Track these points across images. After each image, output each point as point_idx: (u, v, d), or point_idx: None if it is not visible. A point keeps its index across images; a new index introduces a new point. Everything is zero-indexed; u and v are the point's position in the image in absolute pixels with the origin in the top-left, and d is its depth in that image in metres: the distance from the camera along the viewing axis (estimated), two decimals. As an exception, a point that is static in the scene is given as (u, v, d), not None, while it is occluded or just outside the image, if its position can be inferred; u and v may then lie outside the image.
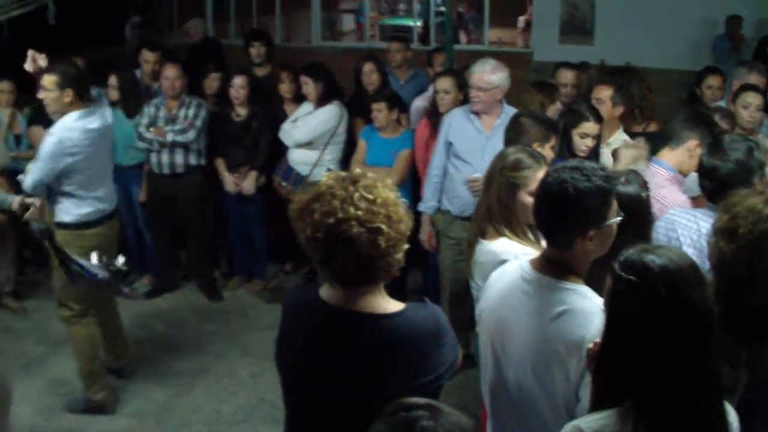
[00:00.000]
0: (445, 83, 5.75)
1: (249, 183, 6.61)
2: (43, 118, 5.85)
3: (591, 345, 2.36)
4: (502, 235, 3.40)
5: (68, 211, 5.02)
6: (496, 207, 3.45)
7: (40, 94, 5.00)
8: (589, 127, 4.71)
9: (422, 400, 1.83)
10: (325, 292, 2.45)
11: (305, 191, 2.41)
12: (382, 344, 2.36)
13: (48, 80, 4.93)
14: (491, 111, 5.23)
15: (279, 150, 6.60)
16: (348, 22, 16.45)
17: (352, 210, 2.28)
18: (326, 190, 2.34)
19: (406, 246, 2.40)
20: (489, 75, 5.12)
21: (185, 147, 6.46)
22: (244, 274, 7.18)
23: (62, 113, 5.02)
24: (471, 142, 5.22)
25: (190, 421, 5.25)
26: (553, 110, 5.29)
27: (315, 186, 2.40)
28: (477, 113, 5.24)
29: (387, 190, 2.37)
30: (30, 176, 4.89)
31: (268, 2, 13.90)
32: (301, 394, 2.55)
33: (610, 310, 2.18)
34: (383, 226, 2.29)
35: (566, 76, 6.23)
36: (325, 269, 2.38)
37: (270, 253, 7.21)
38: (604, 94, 5.39)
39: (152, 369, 5.86)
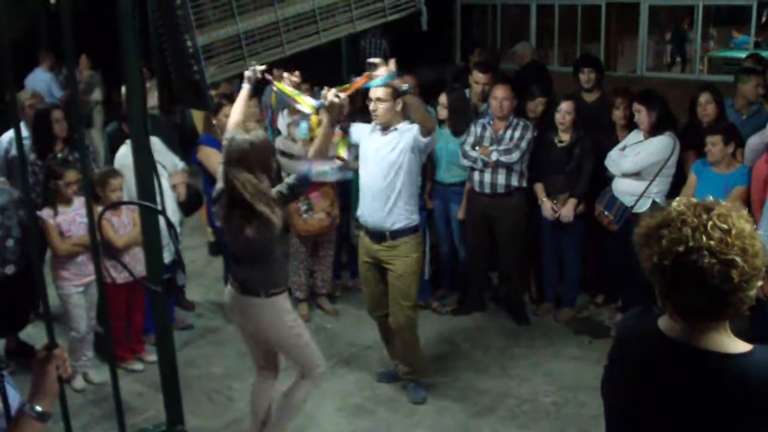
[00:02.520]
0: (792, 118, 5.32)
1: (567, 210, 6.50)
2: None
3: None
4: None
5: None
6: None
7: (372, 106, 5.25)
8: None
9: None
10: (665, 323, 2.31)
11: (652, 216, 2.29)
12: (725, 387, 2.18)
13: (383, 91, 5.14)
14: None
15: (601, 178, 6.43)
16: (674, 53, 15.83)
17: (704, 239, 2.13)
18: (677, 216, 2.21)
19: (759, 283, 2.21)
20: None
21: (508, 168, 6.47)
22: (554, 301, 7.07)
23: (390, 123, 5.24)
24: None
25: (488, 442, 5.24)
26: None
27: (664, 211, 2.27)
28: None
29: (743, 221, 2.19)
30: None
31: (593, 30, 13.76)
32: (626, 427, 2.42)
33: None
34: (738, 259, 2.12)
35: None
36: (668, 300, 2.25)
37: (582, 283, 7.04)
38: None
39: (454, 386, 5.91)
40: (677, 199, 2.30)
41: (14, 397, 2.46)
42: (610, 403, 2.49)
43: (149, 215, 2.73)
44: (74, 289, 5.81)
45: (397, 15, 3.80)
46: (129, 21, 2.46)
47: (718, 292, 2.14)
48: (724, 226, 2.15)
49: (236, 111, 4.67)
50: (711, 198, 2.28)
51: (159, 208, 2.81)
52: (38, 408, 2.25)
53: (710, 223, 2.15)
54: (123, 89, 7.31)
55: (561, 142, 6.53)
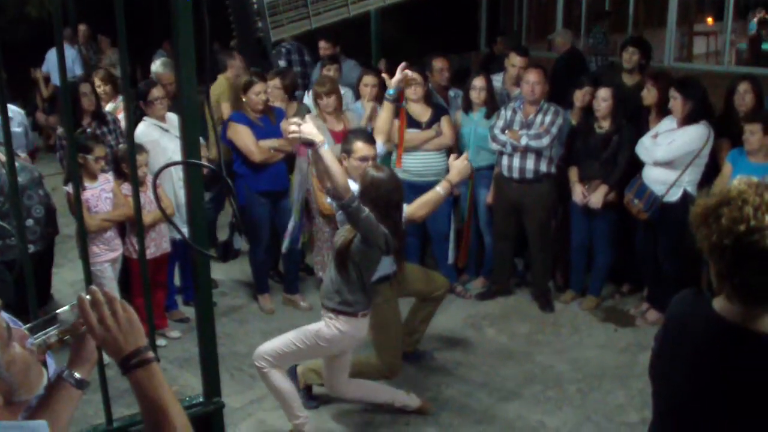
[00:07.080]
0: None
1: (597, 197, 6.40)
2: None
3: None
4: None
5: None
6: None
7: None
8: None
9: None
10: (721, 305, 2.25)
11: (711, 195, 2.22)
12: (782, 373, 2.12)
13: None
14: None
15: (635, 166, 6.31)
16: (701, 45, 15.68)
17: (766, 219, 2.07)
18: (737, 194, 2.14)
19: None
20: None
21: (537, 153, 6.41)
22: (579, 289, 7.00)
23: None
24: None
25: (513, 427, 5.19)
26: None
27: (723, 189, 2.21)
28: None
29: None
30: None
31: (621, 20, 13.62)
32: (677, 411, 2.36)
33: None
34: None
35: None
36: (725, 281, 2.18)
37: (608, 272, 6.96)
38: None
39: (479, 370, 5.88)
40: (739, 177, 2.23)
41: (50, 365, 2.43)
42: (659, 385, 2.43)
43: (194, 174, 2.68)
44: (106, 264, 5.81)
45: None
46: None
47: None
48: None
49: (336, 174, 4.25)
50: (772, 177, 2.22)
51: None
52: (77, 375, 2.21)
53: None
54: (153, 66, 7.32)
55: (600, 129, 6.42)
